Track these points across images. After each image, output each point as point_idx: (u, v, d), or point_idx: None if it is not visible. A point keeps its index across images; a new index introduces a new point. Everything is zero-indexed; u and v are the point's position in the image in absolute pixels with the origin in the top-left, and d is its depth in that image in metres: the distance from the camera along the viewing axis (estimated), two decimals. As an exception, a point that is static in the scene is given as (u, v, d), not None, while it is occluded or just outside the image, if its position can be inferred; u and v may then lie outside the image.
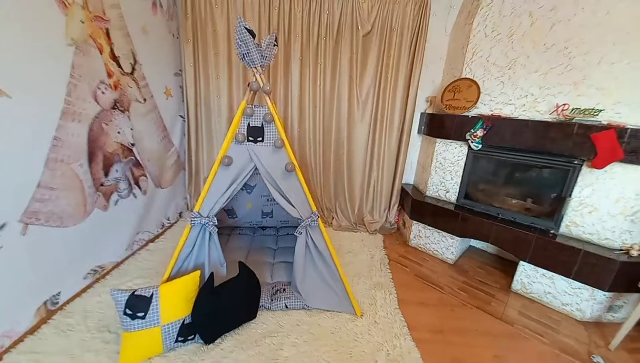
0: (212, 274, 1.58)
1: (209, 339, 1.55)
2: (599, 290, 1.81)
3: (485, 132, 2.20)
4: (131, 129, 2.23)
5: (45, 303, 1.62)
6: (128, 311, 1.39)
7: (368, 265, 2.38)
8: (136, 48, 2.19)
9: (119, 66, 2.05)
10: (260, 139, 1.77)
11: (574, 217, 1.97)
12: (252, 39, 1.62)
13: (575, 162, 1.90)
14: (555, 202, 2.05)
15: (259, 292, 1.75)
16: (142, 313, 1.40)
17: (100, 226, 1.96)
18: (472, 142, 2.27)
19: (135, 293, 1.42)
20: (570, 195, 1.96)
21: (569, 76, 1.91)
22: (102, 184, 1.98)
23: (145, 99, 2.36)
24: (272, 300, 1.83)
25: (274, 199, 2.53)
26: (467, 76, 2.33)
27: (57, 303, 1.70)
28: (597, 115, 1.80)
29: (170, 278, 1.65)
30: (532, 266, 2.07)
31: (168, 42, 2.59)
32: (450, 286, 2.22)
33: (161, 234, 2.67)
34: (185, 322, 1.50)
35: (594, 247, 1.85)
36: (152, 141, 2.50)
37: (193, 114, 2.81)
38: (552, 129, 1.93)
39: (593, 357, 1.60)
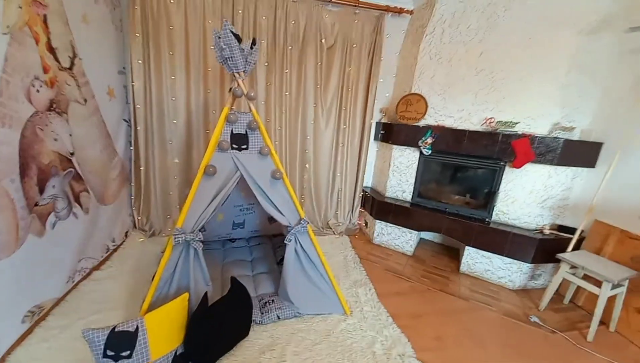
0: (205, 294, 1.45)
1: (204, 365, 1.41)
2: (524, 263, 2.32)
3: (433, 139, 2.58)
4: (70, 135, 1.85)
5: (-29, 364, 1.23)
6: (109, 353, 1.17)
7: (343, 265, 2.50)
8: (76, 39, 1.85)
9: (56, 59, 1.70)
10: (244, 146, 1.71)
11: (501, 207, 2.47)
12: (237, 43, 1.58)
13: (501, 163, 2.41)
14: (488, 196, 2.55)
15: (251, 307, 1.67)
16: (128, 352, 1.20)
17: (35, 256, 1.57)
18: (423, 148, 2.63)
19: (116, 329, 1.21)
20: (498, 190, 2.46)
21: (493, 95, 2.42)
22: (36, 204, 1.59)
23: (85, 100, 2.00)
24: (262, 314, 1.76)
25: (247, 209, 2.46)
26: (416, 92, 2.70)
27: (-12, 361, 1.30)
28: (514, 126, 2.32)
29: (151, 306, 1.44)
30: (475, 249, 2.51)
31: (110, 34, 2.25)
32: (415, 275, 2.50)
33: (106, 259, 2.27)
34: (177, 353, 1.34)
35: (518, 229, 2.37)
36: (94, 150, 2.12)
37: (142, 118, 2.49)
38: (483, 138, 2.40)
39: (531, 317, 2.05)
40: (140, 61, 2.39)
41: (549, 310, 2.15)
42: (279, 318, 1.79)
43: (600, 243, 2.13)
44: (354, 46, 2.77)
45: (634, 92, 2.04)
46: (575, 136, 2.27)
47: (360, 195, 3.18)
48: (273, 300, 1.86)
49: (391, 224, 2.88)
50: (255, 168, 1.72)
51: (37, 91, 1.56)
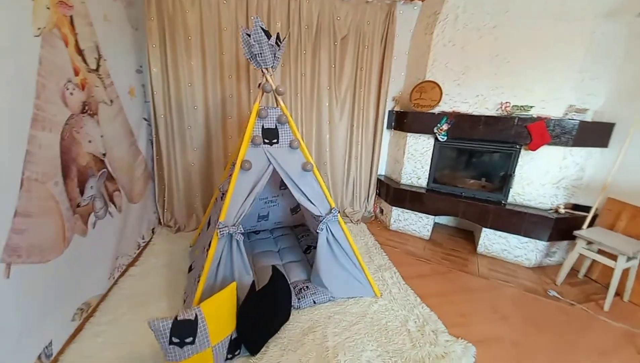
0: (253, 283, 1.53)
1: (255, 350, 1.51)
2: (540, 241, 2.42)
3: (449, 126, 2.64)
4: (101, 136, 1.89)
5: (39, 357, 1.30)
6: (175, 340, 1.25)
7: (365, 251, 2.59)
8: (100, 40, 1.86)
9: (85, 61, 1.72)
10: (275, 141, 1.76)
11: (517, 189, 2.56)
12: (267, 39, 1.60)
13: (517, 147, 2.47)
14: (503, 179, 2.63)
15: (291, 294, 1.76)
16: (191, 338, 1.28)
17: (81, 256, 1.64)
18: (439, 135, 2.69)
19: (178, 318, 1.29)
20: (513, 173, 2.54)
21: (507, 80, 2.46)
22: (78, 205, 1.65)
23: (111, 101, 2.02)
24: (299, 299, 1.86)
25: (271, 202, 2.53)
26: (430, 79, 2.73)
27: (51, 355, 1.38)
28: (529, 110, 2.38)
29: (202, 296, 1.52)
30: (492, 230, 2.61)
31: (128, 32, 2.25)
32: (435, 257, 2.61)
33: (139, 256, 2.34)
34: (232, 337, 1.43)
35: (534, 209, 2.46)
36: (121, 150, 2.16)
37: (162, 116, 2.52)
38: (498, 122, 2.46)
39: (549, 291, 2.16)
40: (158, 59, 2.40)
41: (565, 284, 2.27)
42: (314, 302, 1.89)
43: (614, 219, 2.23)
44: (367, 35, 2.78)
45: (647, 72, 2.09)
46: (588, 117, 2.33)
47: (376, 183, 3.25)
48: (307, 287, 1.95)
49: (408, 210, 2.96)
50: (287, 161, 1.78)
51: (71, 93, 1.59)
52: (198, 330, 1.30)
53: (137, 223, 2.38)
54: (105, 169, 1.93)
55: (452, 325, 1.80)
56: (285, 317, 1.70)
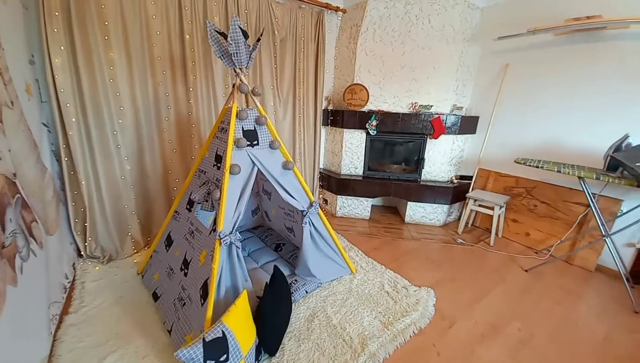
0: (266, 285, 1.53)
1: (274, 350, 1.53)
2: (445, 205, 3.27)
3: (377, 122, 3.16)
4: (9, 150, 1.40)
5: None
6: (210, 362, 1.17)
7: (326, 239, 2.84)
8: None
9: (-17, 50, 1.24)
10: (255, 142, 1.76)
11: (427, 168, 3.34)
12: (244, 39, 1.59)
13: (424, 137, 3.22)
14: (417, 162, 3.37)
15: (290, 288, 1.83)
16: (225, 356, 1.23)
17: (19, 313, 1.23)
18: (370, 129, 3.19)
19: (207, 339, 1.20)
20: (423, 157, 3.30)
21: (414, 85, 3.15)
22: (3, 246, 1.21)
23: (12, 102, 1.50)
24: (292, 293, 1.94)
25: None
26: (357, 82, 3.18)
27: None
28: (430, 108, 3.14)
29: (214, 314, 1.41)
30: (414, 203, 3.32)
31: (19, 13, 1.67)
32: (379, 232, 3.12)
33: (69, 300, 1.84)
34: (257, 344, 1.42)
35: (438, 183, 3.28)
36: (29, 166, 1.64)
37: (74, 120, 1.99)
38: (411, 118, 3.14)
39: (458, 240, 2.98)
40: (62, 47, 1.87)
41: (463, 233, 3.18)
42: (307, 292, 2.01)
43: (484, 182, 3.27)
44: (302, 38, 2.96)
45: (494, 81, 3.13)
46: (463, 113, 3.29)
47: (318, 176, 3.52)
48: (296, 280, 2.05)
49: (351, 197, 3.38)
50: (268, 161, 1.81)
51: (-26, 94, 1.14)
52: (229, 345, 1.25)
53: (57, 259, 1.84)
54: (19, 195, 1.44)
55: (411, 278, 2.29)
56: (290, 311, 1.77)
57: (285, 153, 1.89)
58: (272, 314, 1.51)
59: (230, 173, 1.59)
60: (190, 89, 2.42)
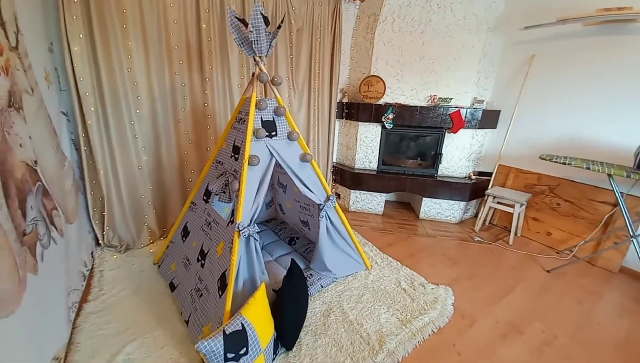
0: (284, 279, 1.51)
1: (292, 344, 1.52)
2: (462, 202, 3.19)
3: (394, 115, 3.08)
4: (30, 137, 1.40)
5: None
6: (230, 355, 1.16)
7: (340, 233, 2.81)
8: (17, 9, 1.34)
9: (6, 35, 1.23)
10: (274, 133, 1.73)
11: (444, 164, 3.25)
12: (265, 26, 1.54)
13: (443, 131, 3.13)
14: (434, 157, 3.28)
15: (306, 282, 1.81)
16: (245, 349, 1.21)
17: (39, 300, 1.23)
18: (386, 123, 3.11)
19: (227, 331, 1.18)
20: (440, 152, 3.21)
21: (433, 77, 3.05)
22: (24, 233, 1.22)
23: (32, 89, 1.50)
24: (308, 287, 1.91)
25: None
26: (374, 74, 3.10)
27: None
28: (449, 101, 3.04)
29: (232, 307, 1.40)
30: (430, 199, 3.25)
31: (38, 2, 1.66)
32: (393, 228, 3.07)
33: (88, 288, 1.86)
34: (274, 338, 1.40)
35: (455, 179, 3.20)
36: (49, 155, 1.65)
37: (93, 109, 1.99)
38: (429, 111, 3.04)
39: (475, 238, 2.91)
40: (81, 35, 1.86)
41: (482, 231, 3.09)
42: (322, 287, 1.99)
43: (504, 179, 3.16)
44: (319, 28, 2.89)
45: (517, 73, 2.99)
46: (484, 106, 3.17)
47: (332, 170, 3.48)
48: (311, 274, 2.03)
49: (365, 192, 3.33)
50: (286, 153, 1.77)
51: (-3, 79, 1.14)
52: (249, 339, 1.24)
53: (77, 248, 1.86)
54: (40, 182, 1.45)
55: (428, 275, 2.24)
56: (307, 306, 1.75)
57: (303, 144, 1.85)
58: (291, 308, 1.49)
59: (249, 164, 1.56)
60: (207, 80, 2.39)
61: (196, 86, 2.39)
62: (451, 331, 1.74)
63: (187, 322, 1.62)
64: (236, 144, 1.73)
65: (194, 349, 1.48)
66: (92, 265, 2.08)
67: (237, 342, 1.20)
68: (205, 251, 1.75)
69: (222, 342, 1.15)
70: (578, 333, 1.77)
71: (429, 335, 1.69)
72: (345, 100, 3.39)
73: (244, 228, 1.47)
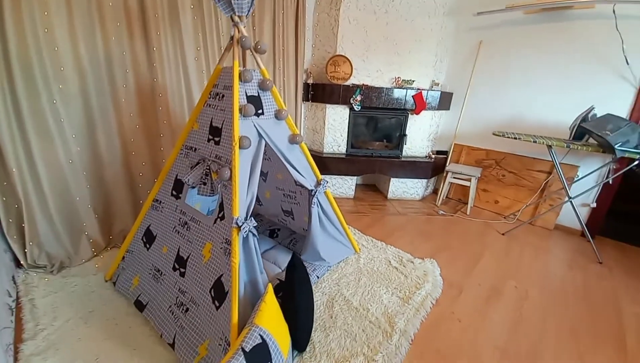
0: (289, 276, 1.33)
1: (305, 345, 1.38)
2: (424, 179, 3.38)
3: (362, 97, 3.04)
4: None
5: None
6: (254, 374, 0.97)
7: (319, 220, 2.70)
8: None
9: None
10: (260, 111, 1.49)
11: (407, 144, 3.38)
12: (248, -19, 1.28)
13: (406, 113, 3.23)
14: (399, 138, 3.38)
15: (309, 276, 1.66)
16: None
17: None
18: (354, 105, 3.05)
19: (246, 348, 0.98)
20: (405, 133, 3.32)
21: (396, 58, 3.09)
22: None
23: None
24: (304, 280, 1.77)
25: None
26: (340, 53, 2.99)
27: None
28: (412, 83, 3.13)
29: (240, 316, 1.17)
30: (397, 179, 3.36)
31: None
32: (366, 210, 3.09)
33: (19, 324, 1.38)
34: (291, 344, 1.24)
35: (418, 158, 3.36)
36: None
37: (-8, 84, 1.42)
38: (394, 93, 3.09)
39: (439, 211, 3.12)
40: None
41: (441, 205, 3.35)
42: (318, 277, 1.88)
43: (457, 156, 3.45)
44: (282, 8, 2.61)
45: (468, 58, 3.23)
46: (439, 89, 3.36)
47: (300, 156, 3.30)
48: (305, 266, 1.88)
49: (335, 176, 3.26)
50: (275, 133, 1.56)
51: None
52: (271, 352, 1.05)
53: (-11, 274, 1.35)
54: None
55: (412, 250, 2.32)
56: (314, 301, 1.61)
57: (291, 124, 1.65)
58: (305, 308, 1.34)
59: (240, 147, 1.31)
60: (154, 49, 1.95)
61: (140, 57, 1.92)
62: (446, 301, 1.83)
63: (172, 345, 1.33)
64: (214, 124, 1.45)
65: (188, 375, 1.22)
66: (17, 293, 1.54)
67: (260, 358, 1.01)
68: (185, 257, 1.45)
69: (244, 361, 0.95)
70: (544, 286, 2.04)
71: (430, 307, 1.74)
72: (310, 81, 3.21)
73: (242, 223, 1.24)
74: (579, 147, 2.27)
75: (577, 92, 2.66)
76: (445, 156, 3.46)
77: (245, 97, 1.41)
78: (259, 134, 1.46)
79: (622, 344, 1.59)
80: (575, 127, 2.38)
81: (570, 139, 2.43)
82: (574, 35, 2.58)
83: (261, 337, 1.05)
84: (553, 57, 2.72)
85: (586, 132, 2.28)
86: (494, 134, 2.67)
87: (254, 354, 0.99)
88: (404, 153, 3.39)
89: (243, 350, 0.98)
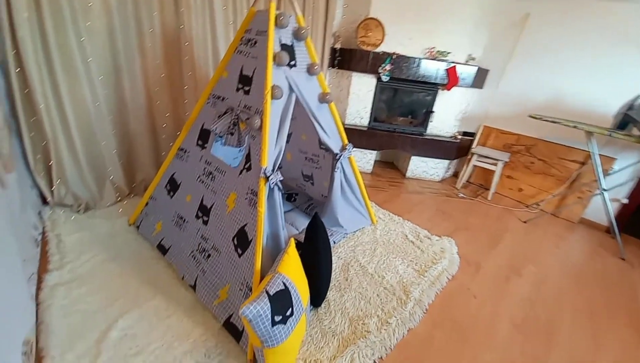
0: (313, 234, 1.32)
1: (320, 301, 1.39)
2: (447, 160, 3.27)
3: (392, 66, 2.88)
4: None
5: None
6: (277, 318, 0.98)
7: (336, 190, 2.67)
8: None
9: None
10: (293, 63, 1.41)
11: (434, 123, 3.24)
12: None
13: (437, 87, 3.06)
14: (425, 115, 3.23)
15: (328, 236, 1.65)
16: (290, 310, 1.04)
17: None
18: (383, 75, 2.90)
19: (270, 292, 0.99)
20: (432, 110, 3.17)
21: (429, 27, 2.87)
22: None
23: None
24: (321, 243, 1.77)
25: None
26: (373, 16, 2.79)
27: None
28: (447, 55, 2.94)
29: (263, 265, 1.18)
30: (417, 157, 3.26)
31: None
32: (384, 185, 3.04)
33: (45, 256, 1.43)
34: (311, 295, 1.25)
35: (443, 138, 3.23)
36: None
37: (25, 17, 1.38)
38: (427, 65, 2.91)
39: (459, 194, 3.04)
40: None
41: (463, 187, 3.25)
42: (334, 242, 1.87)
43: (485, 139, 3.30)
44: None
45: (510, 32, 2.99)
46: (476, 64, 3.15)
47: (320, 125, 3.22)
48: (322, 230, 1.87)
49: (355, 149, 3.18)
50: (306, 88, 1.49)
51: None
52: (292, 298, 1.06)
53: (21, 205, 1.38)
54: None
55: (430, 228, 2.27)
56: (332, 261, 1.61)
57: (323, 82, 1.57)
58: (326, 264, 1.34)
59: (272, 97, 1.25)
60: (185, -10, 1.85)
61: (167, 1, 1.84)
62: (463, 277, 1.80)
63: (193, 287, 1.36)
64: (244, 73, 1.39)
65: (208, 316, 1.26)
66: (44, 228, 1.60)
67: (282, 303, 1.01)
68: (208, 206, 1.45)
69: (269, 304, 0.95)
70: (563, 272, 1.99)
71: (445, 282, 1.72)
72: (337, 46, 3.05)
73: (271, 175, 1.21)
74: (622, 136, 2.11)
75: (627, 79, 2.43)
76: (471, 137, 3.32)
77: (279, 44, 1.33)
78: (290, 87, 1.39)
79: (638, 329, 1.56)
80: (620, 115, 2.21)
81: (615, 127, 2.26)
82: (628, 17, 2.32)
83: (284, 284, 1.05)
84: (609, 38, 2.47)
85: (631, 121, 2.11)
86: (530, 116, 2.52)
87: (277, 297, 0.99)
88: (428, 131, 3.26)
89: (267, 293, 0.98)
